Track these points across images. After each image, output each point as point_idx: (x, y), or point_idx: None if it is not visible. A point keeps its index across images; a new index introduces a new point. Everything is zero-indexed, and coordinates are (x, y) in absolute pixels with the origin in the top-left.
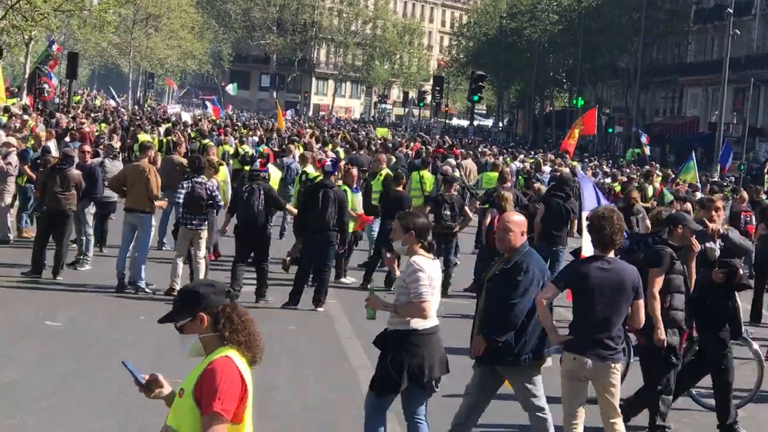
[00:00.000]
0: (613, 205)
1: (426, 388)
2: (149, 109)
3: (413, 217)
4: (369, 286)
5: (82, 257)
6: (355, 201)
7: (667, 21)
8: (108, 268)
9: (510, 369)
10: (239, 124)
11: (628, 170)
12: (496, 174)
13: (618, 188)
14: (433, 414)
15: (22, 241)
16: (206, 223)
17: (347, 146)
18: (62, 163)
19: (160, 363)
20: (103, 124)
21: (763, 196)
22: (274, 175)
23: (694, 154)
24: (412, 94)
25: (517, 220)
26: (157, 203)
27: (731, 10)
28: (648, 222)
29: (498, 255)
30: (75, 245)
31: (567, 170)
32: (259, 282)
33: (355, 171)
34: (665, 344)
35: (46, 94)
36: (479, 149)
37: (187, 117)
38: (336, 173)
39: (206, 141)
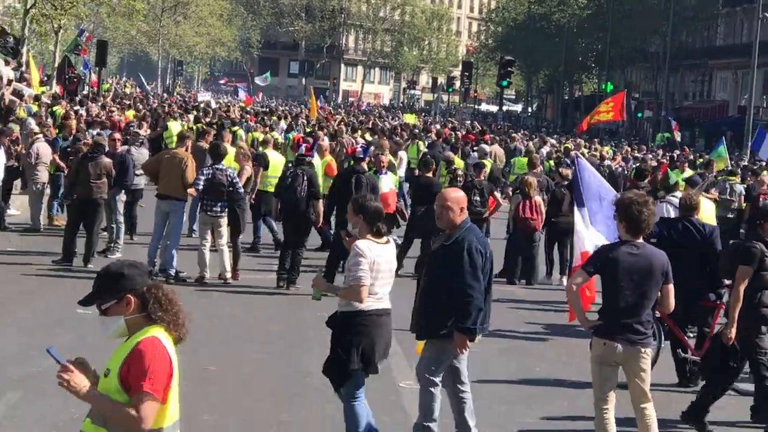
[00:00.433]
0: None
1: (372, 370)
2: (179, 96)
3: (364, 200)
4: (319, 267)
5: (112, 245)
6: (382, 185)
7: (696, 4)
8: (138, 255)
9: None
10: (271, 109)
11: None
12: (526, 159)
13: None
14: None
15: (52, 230)
16: (227, 209)
17: (374, 133)
18: (93, 152)
19: (193, 349)
20: (131, 111)
21: None
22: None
23: (723, 138)
24: (441, 79)
25: (454, 196)
26: (189, 190)
27: None
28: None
29: (528, 238)
30: (105, 233)
31: (597, 155)
32: (292, 269)
33: (383, 157)
34: (731, 343)
35: (86, 87)
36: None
37: (213, 104)
38: (366, 158)
39: (236, 128)
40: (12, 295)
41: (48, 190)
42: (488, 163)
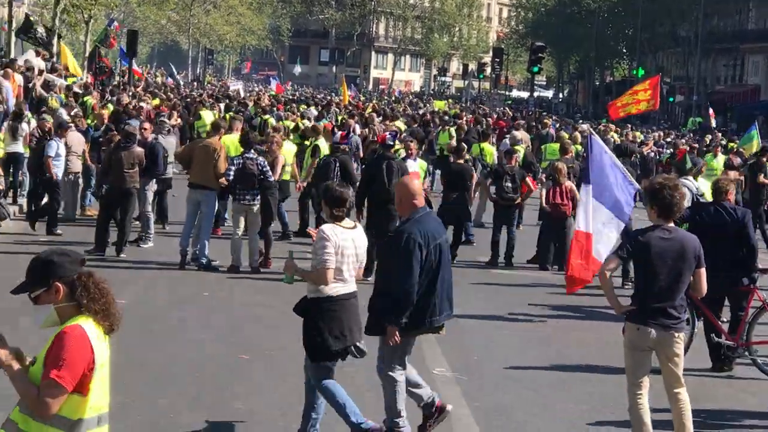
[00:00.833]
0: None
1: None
2: (209, 85)
3: (329, 187)
4: (288, 251)
5: (144, 234)
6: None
7: None
8: (170, 244)
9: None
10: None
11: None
12: (558, 145)
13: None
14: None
15: (85, 219)
16: (258, 198)
17: (408, 120)
18: (126, 141)
19: (232, 337)
20: (156, 100)
21: None
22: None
23: (756, 122)
24: (472, 66)
25: (409, 186)
26: (220, 180)
27: None
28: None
29: (560, 224)
30: (137, 222)
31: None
32: None
33: (413, 144)
34: None
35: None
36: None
37: (243, 92)
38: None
39: (267, 117)
40: None
41: (81, 181)
42: (521, 148)
